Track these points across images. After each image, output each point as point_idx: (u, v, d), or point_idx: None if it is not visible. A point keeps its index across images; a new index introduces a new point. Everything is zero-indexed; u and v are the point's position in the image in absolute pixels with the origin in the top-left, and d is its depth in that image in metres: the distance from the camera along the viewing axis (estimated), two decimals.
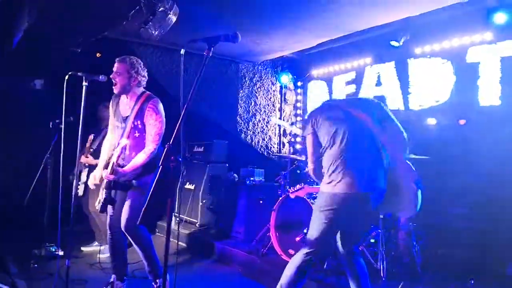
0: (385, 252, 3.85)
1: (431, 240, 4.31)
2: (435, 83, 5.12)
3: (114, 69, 3.42)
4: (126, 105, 3.53)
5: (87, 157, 4.83)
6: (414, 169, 2.94)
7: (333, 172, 2.87)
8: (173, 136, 2.13)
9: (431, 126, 5.04)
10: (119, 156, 3.29)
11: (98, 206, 3.53)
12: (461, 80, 4.88)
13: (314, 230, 2.89)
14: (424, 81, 5.28)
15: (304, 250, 2.90)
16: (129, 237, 3.41)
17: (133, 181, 3.43)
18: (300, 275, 2.89)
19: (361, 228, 3.23)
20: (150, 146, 3.37)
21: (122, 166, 3.34)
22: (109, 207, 3.50)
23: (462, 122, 4.77)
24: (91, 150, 4.84)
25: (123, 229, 3.37)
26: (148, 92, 3.54)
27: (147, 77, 3.57)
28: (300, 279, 2.90)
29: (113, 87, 3.45)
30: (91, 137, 4.88)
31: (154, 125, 3.39)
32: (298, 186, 3.84)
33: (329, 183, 2.87)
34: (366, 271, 3.11)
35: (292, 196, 3.87)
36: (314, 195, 4.58)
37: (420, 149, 3.92)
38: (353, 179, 2.80)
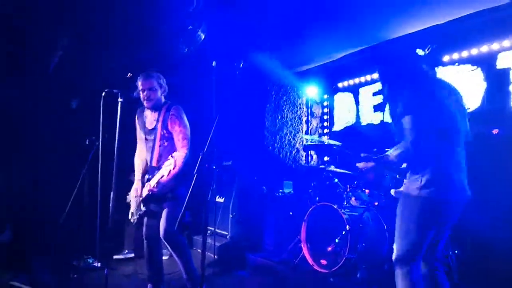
0: None
1: (468, 249, 4.21)
2: (464, 91, 5.05)
3: (144, 86, 3.53)
4: (150, 117, 3.66)
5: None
6: None
7: None
8: (206, 145, 2.21)
9: None
10: (172, 169, 3.30)
11: (132, 218, 3.65)
12: (492, 87, 4.80)
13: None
14: None
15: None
16: (167, 245, 3.50)
17: (169, 194, 3.54)
18: None
19: None
20: (181, 151, 3.47)
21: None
22: (145, 218, 3.62)
23: (495, 131, 4.68)
24: None
25: (162, 237, 3.46)
26: (169, 101, 3.66)
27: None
28: None
29: (146, 103, 3.56)
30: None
31: (179, 131, 3.50)
32: None
33: None
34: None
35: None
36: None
37: None
38: None
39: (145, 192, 3.53)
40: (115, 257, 5.07)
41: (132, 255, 4.95)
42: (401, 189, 2.70)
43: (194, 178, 2.19)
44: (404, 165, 2.83)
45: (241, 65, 2.27)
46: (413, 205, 2.56)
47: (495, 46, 4.73)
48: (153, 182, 3.41)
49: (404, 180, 2.71)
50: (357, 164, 2.79)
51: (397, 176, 2.79)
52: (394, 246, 2.63)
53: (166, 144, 3.54)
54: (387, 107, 2.81)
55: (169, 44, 4.19)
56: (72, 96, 5.88)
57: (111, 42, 4.80)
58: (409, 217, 2.57)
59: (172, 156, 3.30)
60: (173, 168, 3.29)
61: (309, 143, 6.94)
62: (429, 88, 2.66)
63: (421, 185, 2.52)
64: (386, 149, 2.84)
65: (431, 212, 2.53)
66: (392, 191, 2.93)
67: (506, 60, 4.65)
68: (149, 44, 4.73)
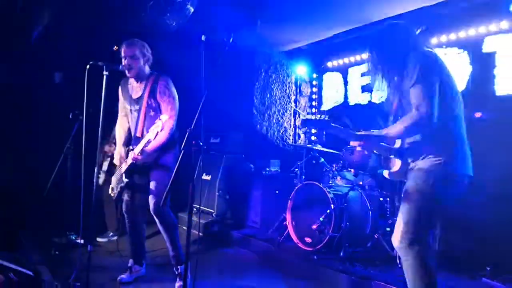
0: None
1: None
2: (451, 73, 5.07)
3: (127, 53, 3.43)
4: (136, 87, 3.57)
5: (111, 146, 4.91)
6: None
7: None
8: (193, 121, 2.18)
9: None
10: (157, 134, 3.26)
11: (113, 193, 3.59)
12: (478, 70, 4.83)
13: None
14: None
15: None
16: (157, 220, 3.46)
17: (154, 163, 3.47)
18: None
19: None
20: (168, 123, 3.40)
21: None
22: (125, 193, 3.56)
23: (477, 114, 4.72)
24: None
25: (152, 211, 3.42)
26: (156, 72, 3.58)
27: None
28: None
29: (127, 72, 3.46)
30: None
31: (168, 101, 3.44)
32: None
33: None
34: None
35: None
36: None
37: None
38: None
39: (128, 162, 3.44)
40: (98, 239, 5.01)
41: (116, 238, 4.92)
42: (415, 166, 2.50)
43: (181, 154, 2.15)
44: (398, 144, 2.67)
45: (231, 40, 2.21)
46: (432, 182, 2.39)
47: (482, 29, 4.73)
48: (137, 149, 3.32)
49: (409, 159, 2.57)
50: (352, 143, 2.59)
51: (391, 156, 2.68)
52: (403, 227, 2.43)
53: (152, 114, 3.46)
54: (375, 87, 2.72)
55: (156, 18, 4.07)
56: (56, 70, 5.74)
57: (96, 15, 4.67)
58: (429, 195, 2.40)
59: (159, 119, 3.23)
60: (160, 130, 3.22)
61: (311, 116, 6.87)
62: (433, 55, 2.54)
63: (442, 160, 2.38)
64: (372, 130, 2.70)
65: (453, 188, 2.42)
66: (385, 172, 2.77)
67: (493, 44, 4.67)
68: (136, 17, 4.61)
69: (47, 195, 4.51)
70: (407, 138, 2.53)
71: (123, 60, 3.46)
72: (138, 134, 3.45)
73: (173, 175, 2.23)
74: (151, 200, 3.41)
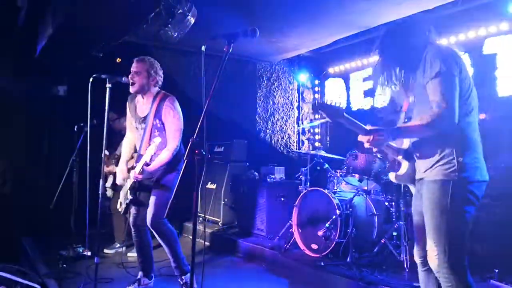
0: (408, 244, 3.85)
1: None
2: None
3: (133, 68, 3.49)
4: (143, 105, 3.60)
5: (108, 166, 4.96)
6: None
7: None
8: (196, 131, 2.19)
9: None
10: (152, 155, 3.33)
11: (121, 208, 3.63)
12: (479, 72, 4.83)
13: None
14: None
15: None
16: (155, 233, 3.48)
17: (157, 182, 3.51)
18: None
19: None
20: (172, 143, 3.45)
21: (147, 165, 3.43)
22: (131, 207, 3.60)
23: (481, 116, 4.72)
24: (116, 156, 4.94)
25: (149, 225, 3.45)
26: (163, 91, 3.61)
27: (163, 78, 3.63)
28: None
29: (131, 87, 3.49)
30: (106, 152, 5.01)
31: (173, 123, 3.46)
32: None
33: None
34: None
35: None
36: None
37: None
38: None
39: (130, 180, 3.50)
40: (106, 251, 5.00)
41: (123, 249, 4.92)
42: (426, 177, 2.28)
43: (184, 164, 2.16)
44: (406, 145, 2.49)
45: (230, 50, 2.23)
46: (457, 192, 2.16)
47: (482, 31, 4.75)
48: (137, 168, 3.38)
49: (418, 164, 2.37)
50: (360, 137, 2.35)
51: (399, 157, 2.51)
52: (436, 247, 2.17)
53: (157, 134, 3.49)
54: (377, 92, 2.64)
55: (158, 29, 4.12)
56: (59, 83, 5.81)
57: (98, 28, 4.73)
58: (452, 213, 2.16)
59: (153, 142, 3.29)
60: (153, 153, 3.29)
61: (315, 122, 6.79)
62: (451, 49, 2.35)
63: (457, 167, 2.16)
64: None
65: (476, 196, 2.20)
66: (392, 175, 2.58)
67: (493, 45, 4.68)
68: (138, 29, 4.67)
69: (54, 208, 4.53)
70: (425, 135, 2.27)
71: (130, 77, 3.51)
72: (142, 152, 3.50)
73: (174, 190, 2.25)
74: (148, 214, 3.44)
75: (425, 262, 2.36)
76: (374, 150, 2.38)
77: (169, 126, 3.49)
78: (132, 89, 3.51)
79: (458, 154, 2.18)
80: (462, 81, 2.21)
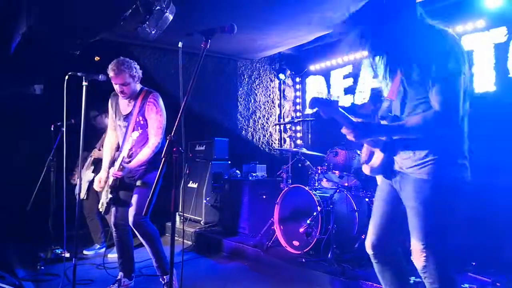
0: None
1: None
2: None
3: (118, 81, 3.36)
4: (126, 103, 3.56)
5: (100, 150, 4.84)
6: None
7: None
8: (174, 128, 2.16)
9: None
10: (130, 150, 3.31)
11: (102, 208, 3.57)
12: None
13: None
14: None
15: None
16: (136, 232, 3.43)
17: (138, 181, 3.47)
18: None
19: None
20: (153, 140, 3.41)
21: (128, 163, 3.38)
22: (112, 207, 3.54)
23: None
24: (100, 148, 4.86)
25: (130, 224, 3.40)
26: (146, 88, 3.57)
27: (142, 75, 3.56)
28: None
29: (121, 96, 3.47)
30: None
31: (155, 119, 3.43)
32: None
33: None
34: None
35: None
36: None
37: None
38: None
39: (110, 178, 3.44)
40: (85, 252, 4.92)
41: (103, 250, 4.85)
42: (417, 172, 2.12)
43: (163, 161, 2.13)
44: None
45: (208, 46, 2.20)
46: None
47: (459, 29, 4.81)
48: (116, 165, 3.34)
49: (398, 155, 2.21)
50: (343, 130, 2.17)
51: (377, 149, 2.39)
52: (423, 246, 2.07)
53: (140, 131, 3.45)
54: (358, 89, 2.56)
55: (135, 26, 4.06)
56: (36, 82, 5.68)
57: (72, 25, 4.64)
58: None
59: (130, 136, 3.27)
60: (131, 148, 3.28)
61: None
62: (456, 37, 2.13)
63: (446, 161, 2.08)
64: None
65: (465, 196, 2.13)
66: (365, 168, 2.39)
67: (470, 43, 4.75)
68: (115, 26, 4.60)
69: (30, 209, 4.43)
70: (423, 135, 2.10)
71: (114, 85, 3.42)
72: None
73: (154, 189, 2.21)
74: (130, 212, 3.39)
75: (377, 254, 2.30)
76: (355, 141, 2.25)
77: (151, 122, 3.44)
78: (123, 97, 3.48)
79: (453, 154, 2.10)
80: (467, 78, 2.05)
